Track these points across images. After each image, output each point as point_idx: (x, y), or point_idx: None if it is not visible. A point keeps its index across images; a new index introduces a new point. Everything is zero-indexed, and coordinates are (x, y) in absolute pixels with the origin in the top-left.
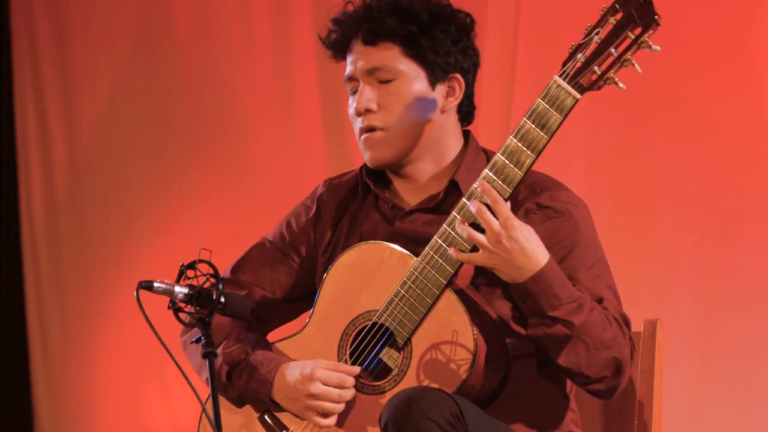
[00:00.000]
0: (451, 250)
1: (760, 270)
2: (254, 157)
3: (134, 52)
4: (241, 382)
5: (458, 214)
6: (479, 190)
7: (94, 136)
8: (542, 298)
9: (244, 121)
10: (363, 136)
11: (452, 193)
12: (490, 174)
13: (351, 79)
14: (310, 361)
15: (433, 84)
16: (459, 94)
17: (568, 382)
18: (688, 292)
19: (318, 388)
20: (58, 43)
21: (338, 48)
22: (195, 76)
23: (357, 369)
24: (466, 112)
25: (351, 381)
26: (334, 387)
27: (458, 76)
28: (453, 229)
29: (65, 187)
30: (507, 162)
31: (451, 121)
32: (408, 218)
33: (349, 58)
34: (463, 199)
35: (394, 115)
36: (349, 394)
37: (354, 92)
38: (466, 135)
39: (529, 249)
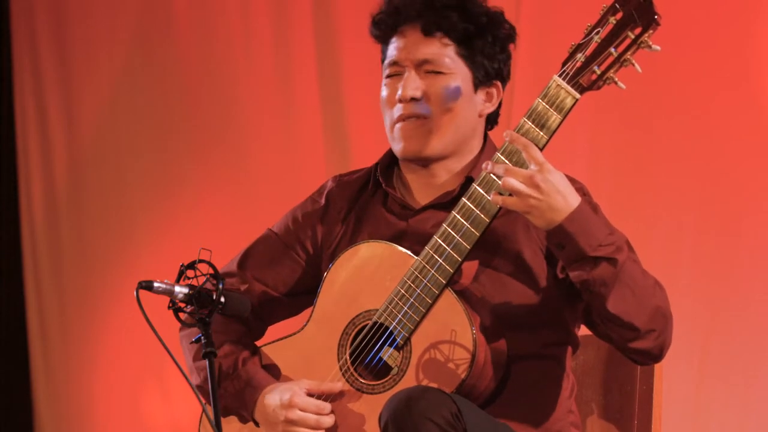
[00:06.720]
0: (491, 195)
1: (760, 270)
2: (254, 157)
3: (134, 52)
4: (227, 396)
5: (501, 155)
6: (507, 139)
7: (94, 136)
8: (581, 237)
9: (244, 121)
10: (400, 124)
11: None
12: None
13: (395, 64)
14: (291, 384)
15: (476, 87)
16: (496, 102)
17: (570, 385)
18: (688, 292)
19: (295, 414)
20: (58, 43)
21: (388, 28)
22: (195, 76)
23: (339, 385)
24: (494, 117)
25: (329, 407)
26: (313, 414)
27: (498, 83)
28: (487, 180)
29: (65, 187)
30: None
31: (481, 125)
32: (422, 215)
33: (398, 43)
34: (498, 154)
35: (439, 107)
36: (328, 420)
37: (391, 76)
38: (484, 137)
39: (564, 190)
